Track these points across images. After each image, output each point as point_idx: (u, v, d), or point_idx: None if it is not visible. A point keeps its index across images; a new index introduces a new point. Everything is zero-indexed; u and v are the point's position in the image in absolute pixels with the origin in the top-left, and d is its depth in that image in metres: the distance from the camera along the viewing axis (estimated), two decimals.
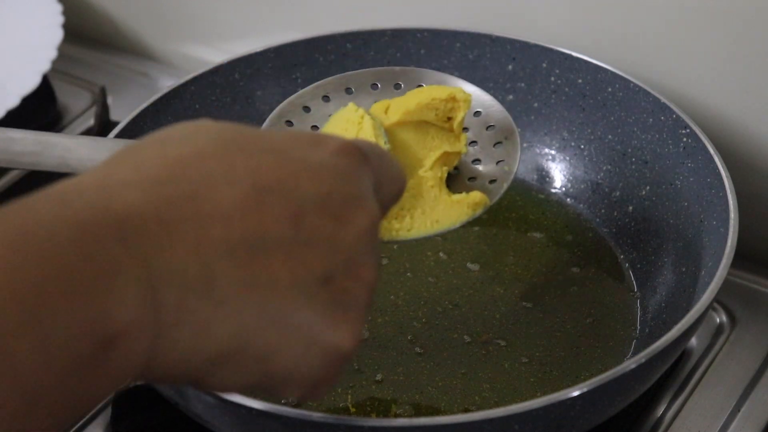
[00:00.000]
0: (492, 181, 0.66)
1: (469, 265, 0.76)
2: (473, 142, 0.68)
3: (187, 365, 0.42)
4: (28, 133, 0.61)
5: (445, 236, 0.78)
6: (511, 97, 0.82)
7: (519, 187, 0.82)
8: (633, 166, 0.78)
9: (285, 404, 0.59)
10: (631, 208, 0.77)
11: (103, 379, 0.39)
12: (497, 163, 0.67)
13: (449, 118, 0.66)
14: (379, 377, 0.68)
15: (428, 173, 0.64)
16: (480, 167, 0.67)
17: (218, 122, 0.47)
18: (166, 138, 0.45)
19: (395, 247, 0.77)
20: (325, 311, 0.44)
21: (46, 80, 0.94)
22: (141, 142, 0.45)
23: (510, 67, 0.81)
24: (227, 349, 0.42)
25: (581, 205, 0.80)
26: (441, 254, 0.77)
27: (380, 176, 0.49)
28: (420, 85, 0.69)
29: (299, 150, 0.46)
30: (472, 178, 0.67)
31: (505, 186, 0.66)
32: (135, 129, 0.73)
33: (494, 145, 0.68)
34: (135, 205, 0.40)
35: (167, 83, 0.85)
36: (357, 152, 0.48)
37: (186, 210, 0.41)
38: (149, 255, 0.39)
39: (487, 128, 0.68)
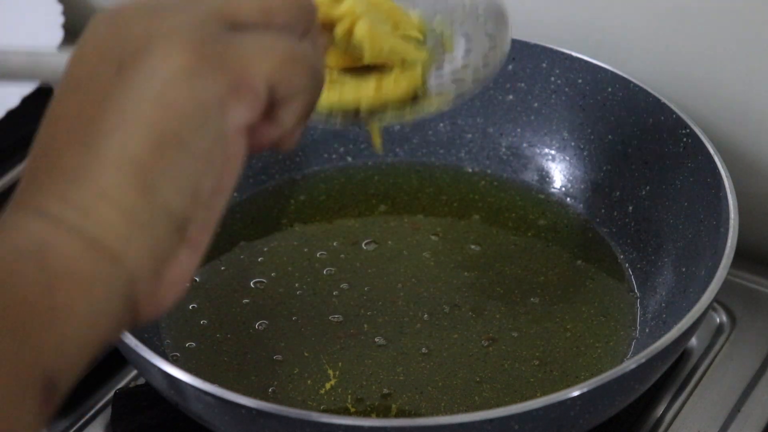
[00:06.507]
0: (485, 65, 0.62)
1: (468, 264, 0.76)
2: (464, 34, 0.65)
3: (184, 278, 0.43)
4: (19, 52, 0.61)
5: (444, 236, 0.78)
6: (511, 97, 0.82)
7: (519, 187, 0.82)
8: (633, 166, 0.78)
9: (285, 404, 0.58)
10: (631, 208, 0.77)
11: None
12: (490, 48, 0.63)
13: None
14: (379, 377, 0.68)
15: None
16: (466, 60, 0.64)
17: None
18: None
19: (393, 245, 0.77)
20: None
21: None
22: None
23: (510, 67, 0.81)
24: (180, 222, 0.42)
25: (581, 205, 0.80)
26: (440, 255, 0.77)
27: None
28: None
29: None
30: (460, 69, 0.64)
31: (498, 65, 0.62)
32: None
33: (485, 30, 0.64)
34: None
35: None
36: None
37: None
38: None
39: (477, 18, 0.65)
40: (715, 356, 0.74)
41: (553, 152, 0.82)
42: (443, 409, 0.66)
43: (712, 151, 0.71)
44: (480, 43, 0.63)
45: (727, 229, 0.66)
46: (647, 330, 0.71)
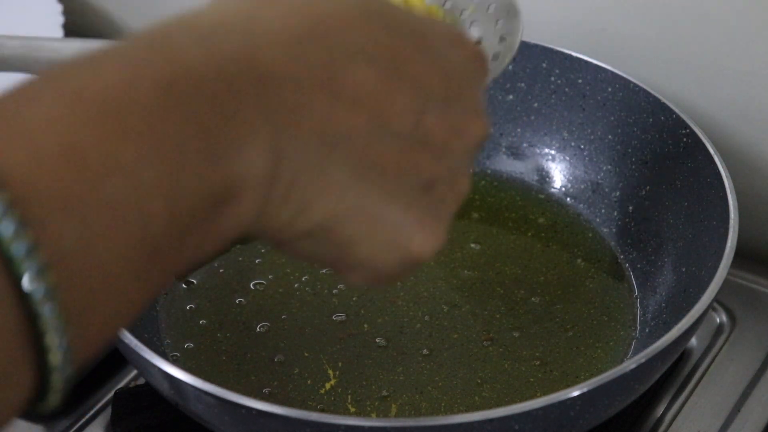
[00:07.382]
0: (494, 58, 0.64)
1: (468, 264, 0.76)
2: (473, 22, 0.66)
3: (277, 234, 0.42)
4: (14, 37, 0.60)
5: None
6: (511, 97, 0.82)
7: (519, 187, 0.82)
8: (633, 166, 0.78)
9: (285, 404, 0.58)
10: (631, 208, 0.77)
11: (213, 236, 0.39)
12: (500, 40, 0.65)
13: None
14: (378, 377, 0.68)
15: None
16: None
17: None
18: None
19: None
20: (419, 216, 0.44)
21: None
22: None
23: (510, 67, 0.81)
24: (318, 228, 0.42)
25: (581, 205, 0.80)
26: (440, 254, 0.76)
27: None
28: None
29: (440, 44, 0.45)
30: None
31: (508, 59, 0.63)
32: None
33: (496, 23, 0.65)
34: (277, 63, 0.39)
35: None
36: (485, 62, 0.48)
37: (322, 79, 0.40)
38: (281, 124, 0.39)
39: (487, 8, 0.66)
40: (715, 356, 0.73)
41: (553, 152, 0.82)
42: (443, 409, 0.66)
43: (712, 151, 0.71)
44: (490, 36, 0.63)
45: (727, 229, 0.66)
46: (647, 330, 0.71)
